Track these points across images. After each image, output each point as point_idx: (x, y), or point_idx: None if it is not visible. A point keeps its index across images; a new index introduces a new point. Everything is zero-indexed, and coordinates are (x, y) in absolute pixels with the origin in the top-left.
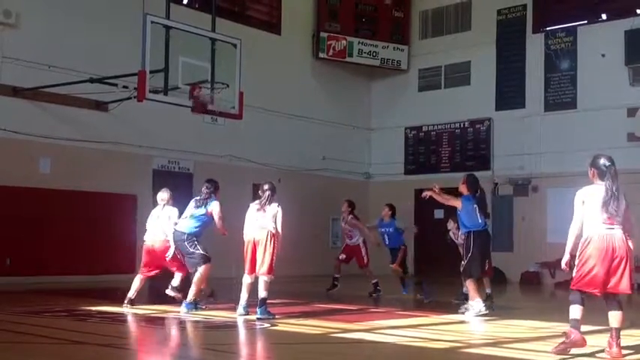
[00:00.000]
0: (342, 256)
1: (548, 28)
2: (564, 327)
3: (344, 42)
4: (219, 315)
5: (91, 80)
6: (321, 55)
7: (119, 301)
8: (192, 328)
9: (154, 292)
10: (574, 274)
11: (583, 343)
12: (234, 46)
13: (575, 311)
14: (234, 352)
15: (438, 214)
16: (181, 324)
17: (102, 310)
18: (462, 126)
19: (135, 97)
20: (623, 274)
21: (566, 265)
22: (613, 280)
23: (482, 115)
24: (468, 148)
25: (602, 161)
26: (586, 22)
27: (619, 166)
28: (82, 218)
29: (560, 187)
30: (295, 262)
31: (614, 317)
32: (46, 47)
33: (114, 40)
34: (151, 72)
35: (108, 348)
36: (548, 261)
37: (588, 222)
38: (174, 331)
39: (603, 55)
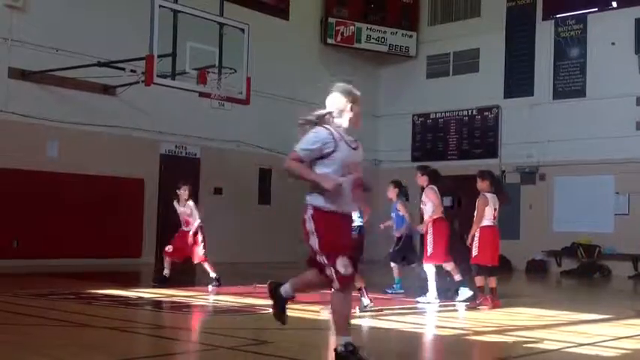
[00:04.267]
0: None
1: (558, 16)
2: (570, 315)
3: (352, 28)
4: (226, 300)
5: (99, 64)
6: (329, 40)
7: (125, 284)
8: (198, 312)
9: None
10: None
11: None
12: (242, 31)
13: None
14: (239, 336)
15: (446, 201)
16: (187, 308)
17: (108, 294)
18: (469, 113)
19: (143, 82)
20: None
21: None
22: None
23: (490, 103)
24: (476, 135)
25: None
26: (596, 9)
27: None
28: (90, 202)
29: (567, 176)
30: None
31: None
32: (54, 31)
33: (122, 24)
34: (159, 56)
35: (114, 331)
36: (555, 249)
37: None
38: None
39: (613, 44)
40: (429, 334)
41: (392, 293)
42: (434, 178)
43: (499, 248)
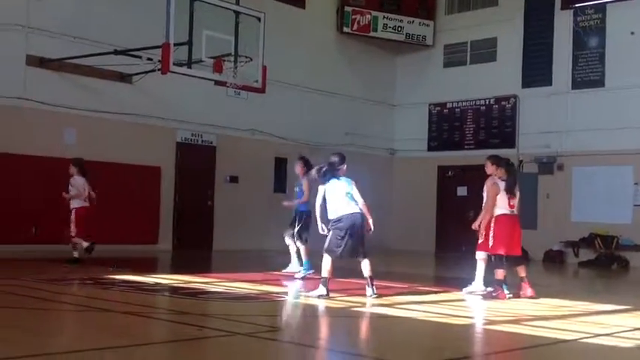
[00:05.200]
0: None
1: (577, 5)
2: (588, 306)
3: (369, 16)
4: (240, 287)
5: (116, 52)
6: (345, 29)
7: (142, 270)
8: (216, 299)
9: (176, 263)
10: None
11: None
12: (258, 19)
13: None
14: (255, 323)
15: (461, 191)
16: (203, 295)
17: (126, 279)
18: (487, 103)
19: (159, 70)
20: None
21: None
22: None
23: (508, 92)
24: (493, 125)
25: None
26: None
27: None
28: (107, 189)
29: (585, 166)
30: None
31: None
32: (72, 18)
33: (139, 12)
34: (175, 45)
35: (132, 316)
36: (572, 240)
37: None
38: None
39: (632, 33)
40: (445, 323)
41: (305, 275)
42: (507, 171)
43: (520, 238)
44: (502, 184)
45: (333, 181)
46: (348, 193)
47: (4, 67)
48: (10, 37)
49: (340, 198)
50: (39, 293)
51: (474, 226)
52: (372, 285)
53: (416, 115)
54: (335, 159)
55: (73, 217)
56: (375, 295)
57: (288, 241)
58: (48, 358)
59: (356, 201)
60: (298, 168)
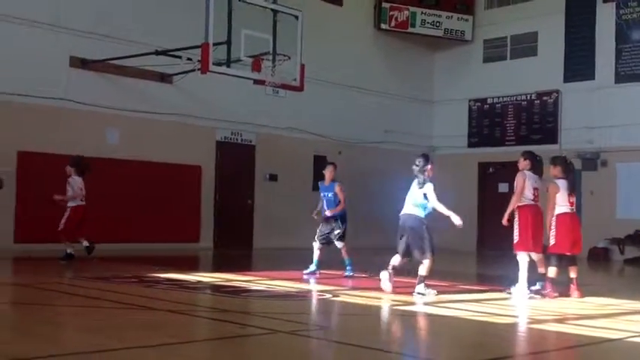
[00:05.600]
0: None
1: None
2: (634, 304)
3: (406, 12)
4: (281, 285)
5: (157, 52)
6: (382, 26)
7: (184, 269)
8: (257, 297)
9: (217, 261)
10: None
11: None
12: (296, 17)
13: None
14: (297, 321)
15: (503, 187)
16: (245, 293)
17: (169, 278)
18: (528, 98)
19: (199, 70)
20: None
21: None
22: None
23: (549, 87)
24: (535, 121)
25: None
26: None
27: None
28: (149, 188)
29: (630, 162)
30: (356, 233)
31: None
32: (113, 20)
33: (178, 12)
34: (214, 44)
35: (175, 314)
36: (618, 237)
37: None
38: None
39: None
40: (489, 322)
41: (350, 274)
42: (564, 170)
43: (580, 236)
44: (561, 183)
45: (413, 182)
46: (412, 194)
47: (48, 69)
48: (52, 38)
49: (406, 199)
50: (82, 291)
51: (504, 221)
52: (421, 284)
53: (455, 111)
54: (418, 161)
55: (67, 213)
56: (420, 294)
57: (339, 244)
58: (90, 356)
59: (415, 202)
60: (330, 173)
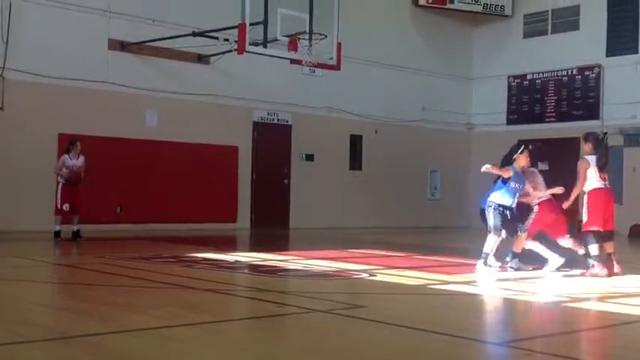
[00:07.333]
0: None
1: None
2: None
3: None
4: (317, 264)
5: (194, 34)
6: (420, 2)
7: (222, 248)
8: (294, 276)
9: (254, 241)
10: None
11: None
12: None
13: None
14: (334, 300)
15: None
16: (282, 272)
17: (207, 257)
18: (569, 73)
19: (235, 50)
20: None
21: None
22: None
23: (591, 62)
24: (576, 96)
25: None
26: None
27: None
28: (187, 169)
29: None
30: (393, 213)
31: None
32: (151, 2)
33: None
34: (250, 24)
35: (214, 293)
36: None
37: None
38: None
39: None
40: (530, 301)
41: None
42: (595, 146)
43: (613, 211)
44: (591, 159)
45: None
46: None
47: (87, 52)
48: (92, 21)
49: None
50: (123, 271)
51: (565, 205)
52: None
53: (494, 88)
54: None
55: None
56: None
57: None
58: (131, 334)
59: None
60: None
